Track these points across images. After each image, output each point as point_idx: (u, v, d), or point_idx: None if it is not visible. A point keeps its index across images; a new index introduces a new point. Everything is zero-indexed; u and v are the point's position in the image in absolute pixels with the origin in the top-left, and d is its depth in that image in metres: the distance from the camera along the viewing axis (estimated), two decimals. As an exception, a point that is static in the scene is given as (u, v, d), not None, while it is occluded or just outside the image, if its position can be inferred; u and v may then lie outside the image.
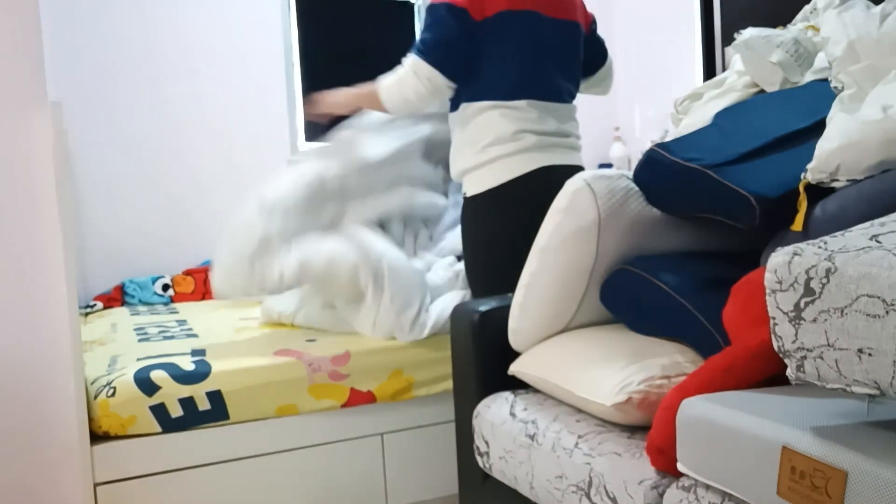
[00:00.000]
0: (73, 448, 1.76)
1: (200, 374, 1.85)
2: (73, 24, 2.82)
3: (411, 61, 1.93)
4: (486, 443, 1.54)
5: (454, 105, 2.03)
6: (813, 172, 1.18)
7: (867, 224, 0.90)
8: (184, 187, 3.00)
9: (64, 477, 1.77)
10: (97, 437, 1.80)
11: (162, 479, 1.83)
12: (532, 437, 1.39)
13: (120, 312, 2.68)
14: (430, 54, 1.90)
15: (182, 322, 2.48)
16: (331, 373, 1.95)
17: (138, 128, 2.93)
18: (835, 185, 1.17)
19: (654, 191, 1.41)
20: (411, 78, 1.92)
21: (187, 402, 1.82)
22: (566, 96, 2.04)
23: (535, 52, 1.95)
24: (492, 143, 1.95)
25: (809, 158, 1.20)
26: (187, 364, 1.88)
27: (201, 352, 1.99)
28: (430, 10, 1.94)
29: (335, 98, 2.12)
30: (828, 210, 1.15)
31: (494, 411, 1.54)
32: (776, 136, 1.33)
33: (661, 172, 1.36)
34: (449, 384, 2.04)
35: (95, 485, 1.79)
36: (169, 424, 1.81)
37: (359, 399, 1.99)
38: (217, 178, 3.05)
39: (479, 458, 1.58)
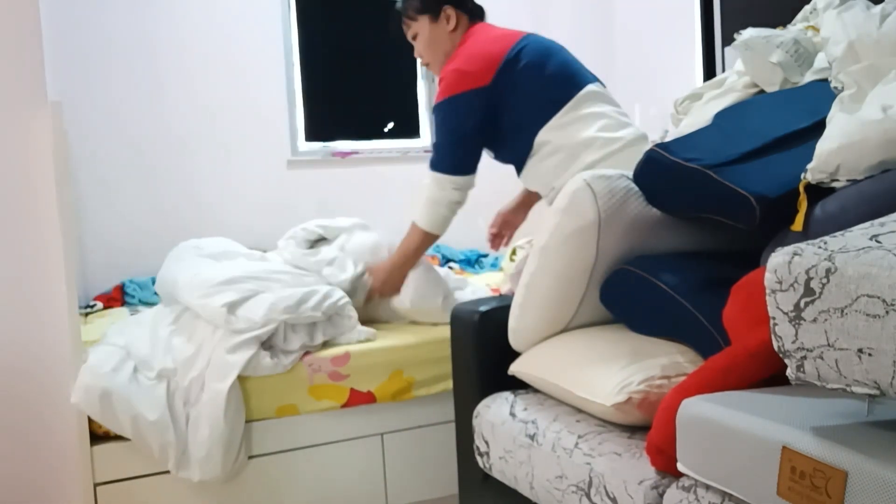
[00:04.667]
0: (73, 448, 1.76)
1: None
2: (73, 24, 2.81)
3: (430, 179, 1.96)
4: (486, 443, 1.54)
5: (520, 158, 1.95)
6: (813, 172, 1.18)
7: (867, 224, 0.90)
8: (184, 187, 3.00)
9: (64, 477, 1.77)
10: (97, 437, 1.80)
11: (162, 479, 1.83)
12: (532, 437, 1.39)
13: (120, 313, 2.67)
14: (443, 163, 1.94)
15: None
16: (331, 373, 1.95)
17: (138, 128, 2.93)
18: (835, 185, 1.17)
19: (654, 191, 1.41)
20: (438, 194, 1.95)
21: None
22: (592, 76, 1.99)
23: (553, 52, 1.94)
24: (589, 145, 1.85)
25: (809, 158, 1.20)
26: None
27: None
28: (435, 110, 1.96)
29: (390, 276, 2.10)
30: (828, 210, 1.15)
31: (494, 411, 1.54)
32: (776, 136, 1.33)
33: (661, 173, 1.36)
34: (449, 384, 2.04)
35: (95, 485, 1.79)
36: None
37: (359, 399, 1.98)
38: (217, 178, 3.05)
39: (478, 459, 1.58)
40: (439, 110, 1.93)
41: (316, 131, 3.27)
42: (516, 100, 1.88)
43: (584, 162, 1.83)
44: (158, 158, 2.97)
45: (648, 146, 1.77)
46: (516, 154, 1.96)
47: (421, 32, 2.03)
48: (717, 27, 2.83)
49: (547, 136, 1.88)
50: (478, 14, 2.06)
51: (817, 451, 0.82)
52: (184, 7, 2.98)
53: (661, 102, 3.55)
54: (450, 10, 1.99)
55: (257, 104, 3.10)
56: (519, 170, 1.99)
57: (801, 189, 1.19)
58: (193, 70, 3.00)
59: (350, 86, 3.37)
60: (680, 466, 1.04)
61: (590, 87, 1.91)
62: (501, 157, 2.02)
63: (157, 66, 2.95)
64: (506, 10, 3.59)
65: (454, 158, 1.93)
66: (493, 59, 1.87)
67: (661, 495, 1.10)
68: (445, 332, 2.08)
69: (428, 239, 2.03)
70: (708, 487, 1.00)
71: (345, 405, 1.98)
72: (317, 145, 3.27)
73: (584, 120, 1.87)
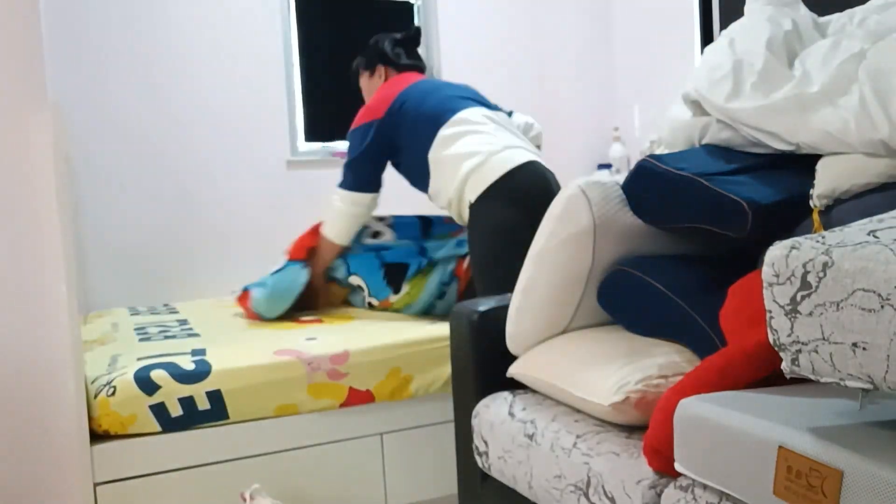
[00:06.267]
0: (73, 448, 1.77)
1: (200, 373, 1.85)
2: (73, 24, 2.82)
3: (337, 196, 2.33)
4: (485, 442, 1.54)
5: (418, 173, 2.28)
6: (819, 199, 1.20)
7: (865, 220, 0.90)
8: (183, 187, 3.01)
9: (64, 477, 1.77)
10: (97, 436, 1.80)
11: (162, 479, 1.84)
12: (531, 437, 1.39)
13: (120, 312, 2.68)
14: (346, 181, 2.31)
15: (183, 322, 2.48)
16: (329, 371, 1.95)
17: (138, 128, 2.94)
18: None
19: (644, 200, 1.41)
20: (342, 209, 2.32)
21: (187, 402, 1.82)
22: (474, 101, 2.31)
23: (437, 90, 2.30)
24: (465, 157, 2.16)
25: (800, 174, 1.21)
26: (187, 363, 1.88)
27: (201, 351, 1.99)
28: (347, 138, 2.35)
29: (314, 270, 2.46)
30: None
31: (493, 411, 1.54)
32: (765, 155, 1.34)
33: (652, 181, 1.36)
34: (447, 382, 2.04)
35: (95, 485, 1.79)
36: (169, 424, 1.82)
37: (357, 399, 1.98)
38: (217, 178, 3.06)
39: (478, 458, 1.58)
40: (348, 138, 2.34)
41: (316, 131, 3.28)
42: (405, 129, 2.25)
43: (462, 172, 2.14)
44: (158, 158, 2.97)
45: (518, 151, 2.14)
46: (421, 176, 2.28)
47: (361, 83, 2.56)
48: (716, 29, 2.83)
49: (434, 155, 2.22)
50: (413, 68, 2.47)
51: (813, 451, 0.82)
52: (184, 8, 2.98)
53: (661, 103, 3.56)
54: (381, 69, 2.47)
55: (257, 104, 3.10)
56: (426, 191, 2.32)
57: (815, 218, 1.20)
58: (193, 70, 3.01)
59: (350, 86, 3.37)
60: (677, 466, 1.03)
61: (461, 114, 2.22)
62: (414, 182, 2.35)
63: (157, 66, 2.96)
64: (506, 17, 3.61)
65: (355, 178, 2.30)
66: (387, 98, 2.28)
67: (659, 495, 1.10)
68: (443, 329, 2.09)
69: (334, 248, 2.40)
70: (705, 487, 1.00)
71: (343, 404, 1.98)
72: (316, 145, 3.27)
73: (458, 138, 2.19)
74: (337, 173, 3.30)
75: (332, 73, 3.34)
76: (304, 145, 3.24)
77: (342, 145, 3.31)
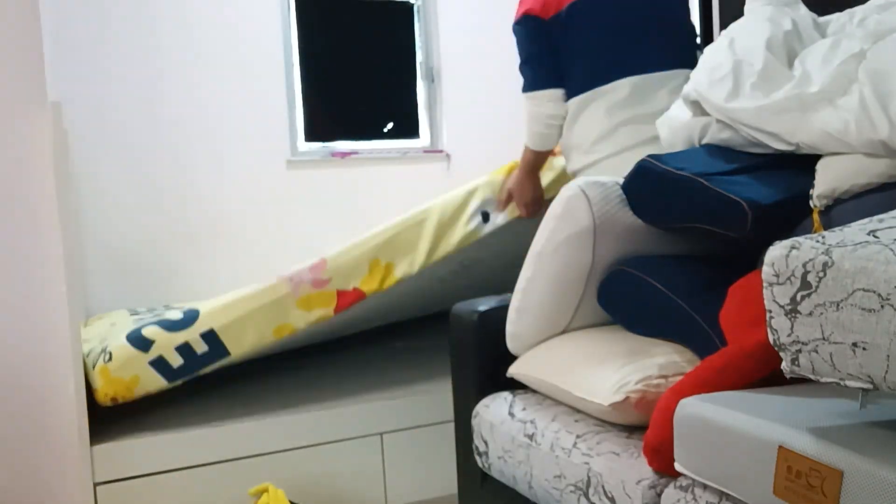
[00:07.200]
0: (73, 448, 1.77)
1: (189, 318, 1.85)
2: (72, 24, 2.82)
3: (524, 99, 1.99)
4: (485, 442, 1.54)
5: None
6: (819, 199, 1.20)
7: (865, 220, 0.90)
8: (183, 187, 3.01)
9: (64, 477, 1.77)
10: (97, 436, 1.80)
11: (162, 479, 1.84)
12: (531, 437, 1.39)
13: (119, 313, 2.68)
14: (527, 80, 1.97)
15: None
16: (313, 281, 1.93)
17: (138, 128, 2.94)
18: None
19: (643, 200, 1.41)
20: (532, 111, 1.98)
21: (184, 349, 1.81)
22: (671, 62, 1.91)
23: (621, 28, 1.88)
24: (596, 140, 1.89)
25: (800, 174, 1.21)
26: (176, 315, 1.88)
27: (192, 308, 1.99)
28: (513, 30, 1.99)
29: (516, 185, 2.12)
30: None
31: (493, 411, 1.54)
32: (765, 155, 1.34)
33: (652, 181, 1.36)
34: (429, 256, 2.01)
35: (95, 485, 1.79)
36: (172, 375, 1.81)
37: (348, 299, 1.96)
38: (217, 178, 3.06)
39: (477, 458, 1.58)
40: (513, 29, 1.99)
41: (315, 131, 3.28)
42: (569, 51, 1.90)
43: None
44: (158, 158, 2.97)
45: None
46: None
47: None
48: (716, 29, 2.83)
49: (577, 106, 1.91)
50: None
51: (813, 451, 0.82)
52: (183, 8, 2.98)
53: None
54: None
55: (257, 104, 3.10)
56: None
57: (816, 218, 1.20)
58: (193, 70, 3.01)
59: (350, 86, 3.38)
60: (677, 466, 1.03)
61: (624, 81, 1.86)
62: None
63: (157, 66, 2.96)
64: (506, 17, 3.60)
65: (530, 76, 1.96)
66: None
67: (659, 495, 1.10)
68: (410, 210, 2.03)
69: (535, 156, 2.06)
70: (705, 487, 1.00)
71: (337, 309, 1.95)
72: (316, 145, 3.27)
73: (607, 108, 1.86)
74: (337, 173, 3.32)
75: (332, 73, 3.34)
76: (304, 145, 3.24)
77: (342, 145, 3.32)
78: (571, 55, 1.90)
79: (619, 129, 1.86)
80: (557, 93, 1.94)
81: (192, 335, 1.82)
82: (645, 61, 1.87)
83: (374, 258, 1.99)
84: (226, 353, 1.85)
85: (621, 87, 1.85)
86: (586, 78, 1.89)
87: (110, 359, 1.76)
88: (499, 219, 2.13)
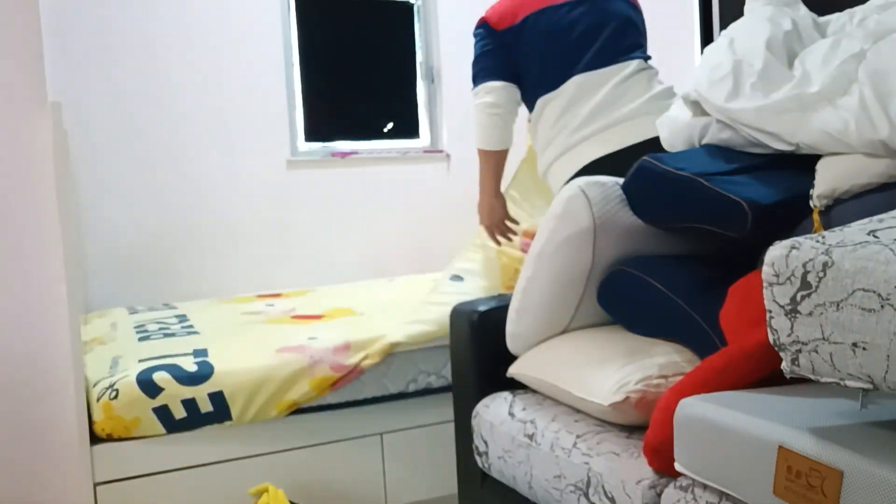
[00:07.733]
0: (73, 448, 1.77)
1: (203, 375, 1.85)
2: (73, 24, 2.82)
3: (473, 94, 2.03)
4: (485, 442, 1.54)
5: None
6: (819, 199, 1.20)
7: (865, 220, 0.90)
8: (184, 187, 3.01)
9: (64, 477, 1.77)
10: (99, 438, 1.80)
11: (162, 478, 1.84)
12: (531, 437, 1.39)
13: (119, 312, 2.68)
14: (477, 75, 2.01)
15: (182, 318, 2.47)
16: (333, 365, 1.95)
17: (138, 128, 2.94)
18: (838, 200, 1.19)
19: (643, 199, 1.41)
20: (475, 104, 2.01)
21: (190, 404, 1.82)
22: (617, 58, 1.95)
23: (570, 35, 1.94)
24: (546, 144, 1.97)
25: (800, 174, 1.21)
26: (190, 365, 1.87)
27: (203, 352, 1.99)
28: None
29: (480, 209, 2.12)
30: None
31: (493, 411, 1.54)
32: (765, 156, 1.34)
33: (652, 181, 1.36)
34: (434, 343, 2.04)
35: (95, 485, 1.79)
36: (173, 426, 1.81)
37: (349, 377, 1.97)
38: (217, 178, 3.06)
39: (478, 458, 1.58)
40: (474, 31, 2.04)
41: (315, 131, 3.28)
42: (522, 60, 1.96)
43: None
44: (158, 158, 2.97)
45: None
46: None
47: None
48: (716, 29, 2.83)
49: (538, 109, 1.96)
50: None
51: (813, 451, 0.82)
52: (184, 8, 2.98)
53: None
54: None
55: (257, 104, 3.10)
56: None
57: (816, 217, 1.20)
58: (193, 70, 3.01)
59: (350, 86, 3.38)
60: (677, 466, 1.03)
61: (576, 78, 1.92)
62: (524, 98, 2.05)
63: (157, 66, 2.96)
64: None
65: (480, 69, 2.00)
66: (514, 14, 1.96)
67: (659, 495, 1.10)
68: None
69: (487, 161, 2.05)
70: (705, 487, 1.00)
71: (335, 385, 1.95)
72: (316, 145, 3.27)
73: (562, 107, 1.92)
74: (337, 173, 3.32)
75: (332, 74, 3.34)
76: (304, 145, 3.24)
77: (342, 145, 3.32)
78: (527, 64, 1.96)
79: (563, 130, 1.92)
80: (497, 84, 1.97)
81: (200, 393, 1.83)
82: (591, 60, 1.93)
83: (388, 345, 2.01)
84: (228, 417, 1.86)
85: (567, 89, 1.92)
86: (540, 85, 1.96)
87: (116, 396, 1.77)
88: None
